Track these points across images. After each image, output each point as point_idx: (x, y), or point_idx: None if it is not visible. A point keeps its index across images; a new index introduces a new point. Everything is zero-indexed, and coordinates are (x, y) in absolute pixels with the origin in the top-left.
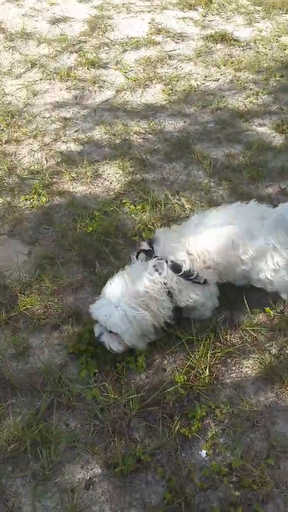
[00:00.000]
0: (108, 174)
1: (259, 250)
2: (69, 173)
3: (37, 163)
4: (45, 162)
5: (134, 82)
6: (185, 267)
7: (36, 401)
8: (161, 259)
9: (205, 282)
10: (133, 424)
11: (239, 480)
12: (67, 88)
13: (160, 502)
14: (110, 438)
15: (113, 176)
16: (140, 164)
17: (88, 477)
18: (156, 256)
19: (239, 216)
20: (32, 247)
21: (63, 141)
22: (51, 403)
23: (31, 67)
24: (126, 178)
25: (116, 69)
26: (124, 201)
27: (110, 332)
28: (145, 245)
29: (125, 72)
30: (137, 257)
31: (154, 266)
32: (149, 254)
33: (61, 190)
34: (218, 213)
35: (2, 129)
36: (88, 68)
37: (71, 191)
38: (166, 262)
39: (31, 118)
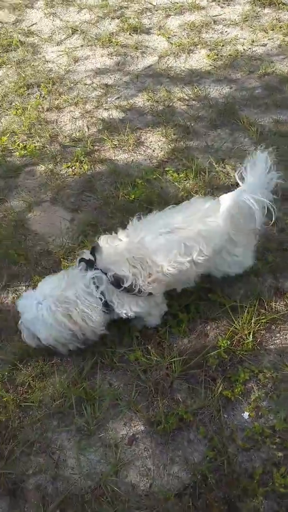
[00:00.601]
0: (151, 141)
1: (216, 248)
2: (111, 141)
3: (79, 131)
4: (86, 130)
5: (177, 47)
6: (126, 282)
7: (80, 361)
8: (101, 272)
9: (150, 293)
10: (175, 385)
11: (282, 442)
12: (108, 54)
13: (203, 459)
14: (153, 397)
15: (155, 143)
16: (184, 131)
17: (131, 433)
18: (97, 268)
19: (186, 217)
20: (75, 214)
21: (105, 108)
22: (94, 363)
23: (72, 33)
24: (169, 146)
25: (159, 34)
26: (167, 168)
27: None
28: (86, 254)
29: (168, 38)
30: (79, 264)
31: (92, 278)
32: (90, 264)
33: (103, 158)
34: (162, 216)
35: (44, 96)
36: (130, 34)
37: (113, 158)
38: (106, 275)
39: (72, 85)
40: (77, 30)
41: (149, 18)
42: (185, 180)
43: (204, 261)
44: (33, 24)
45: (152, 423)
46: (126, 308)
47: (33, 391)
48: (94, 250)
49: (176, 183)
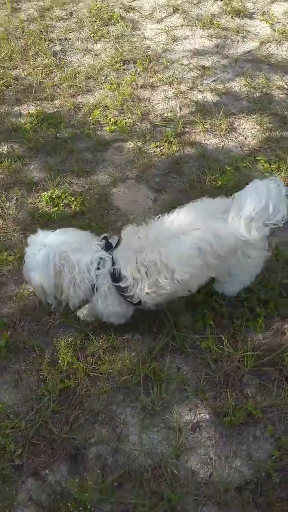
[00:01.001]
0: (244, 128)
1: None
2: (203, 124)
3: (171, 111)
4: (178, 110)
5: (281, 34)
6: (123, 283)
7: (150, 341)
8: (111, 259)
9: (139, 303)
10: (246, 379)
11: None
12: (208, 36)
13: (267, 458)
14: (221, 388)
15: (249, 131)
16: (280, 121)
17: (196, 420)
18: (110, 254)
19: (200, 217)
20: (158, 194)
21: (200, 90)
22: (165, 345)
23: (173, 12)
24: (263, 134)
25: (262, 20)
26: (259, 158)
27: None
28: (114, 238)
29: (272, 24)
30: (100, 240)
31: (100, 258)
32: (108, 246)
33: (192, 141)
34: (177, 217)
35: (139, 73)
36: (232, 17)
37: (203, 142)
38: (113, 265)
39: (168, 64)
40: (178, 9)
41: (253, 2)
42: (277, 171)
43: (218, 263)
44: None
45: (218, 414)
46: (105, 302)
47: (103, 363)
48: (119, 240)
49: (267, 174)
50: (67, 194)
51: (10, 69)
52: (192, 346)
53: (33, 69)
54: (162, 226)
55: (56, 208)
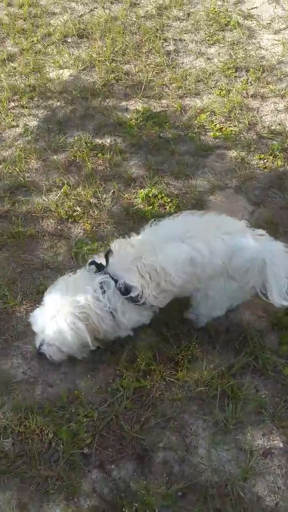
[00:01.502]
0: None
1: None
2: None
3: (279, 124)
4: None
5: None
6: (134, 292)
7: (231, 357)
8: (110, 277)
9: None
10: None
11: None
12: None
13: None
14: None
15: None
16: None
17: (268, 446)
18: (107, 273)
19: (204, 227)
20: (257, 207)
21: None
22: (246, 364)
23: None
24: None
25: None
26: None
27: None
28: (98, 257)
29: None
30: (88, 267)
31: (100, 283)
32: (100, 268)
33: None
34: (179, 222)
35: (250, 82)
36: None
37: None
38: (116, 281)
39: (282, 76)
40: None
41: None
42: None
43: (205, 279)
44: (254, 7)
45: None
46: (127, 316)
47: (180, 370)
48: (108, 253)
49: None
50: (163, 194)
51: (123, 64)
52: (274, 369)
53: (145, 66)
54: (157, 231)
55: (151, 207)
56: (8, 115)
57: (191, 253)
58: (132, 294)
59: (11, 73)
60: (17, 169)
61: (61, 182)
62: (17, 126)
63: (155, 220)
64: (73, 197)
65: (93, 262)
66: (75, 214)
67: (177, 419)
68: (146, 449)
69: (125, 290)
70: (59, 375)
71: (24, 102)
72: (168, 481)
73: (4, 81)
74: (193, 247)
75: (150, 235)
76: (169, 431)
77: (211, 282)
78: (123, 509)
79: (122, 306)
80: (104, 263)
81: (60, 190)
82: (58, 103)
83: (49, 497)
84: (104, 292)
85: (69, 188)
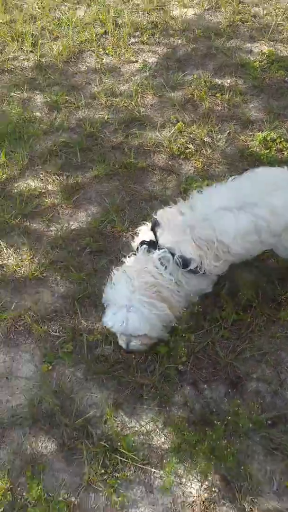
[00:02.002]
0: None
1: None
2: None
3: None
4: None
5: None
6: (193, 264)
7: None
8: (167, 252)
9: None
10: None
11: None
12: None
13: None
14: None
15: None
16: None
17: None
18: (162, 248)
19: (255, 191)
20: None
21: None
22: None
23: None
24: None
25: None
26: None
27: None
28: (144, 232)
29: None
30: (137, 249)
31: (159, 259)
32: (152, 245)
33: None
34: (231, 188)
35: None
36: None
37: None
38: (172, 255)
39: None
40: None
41: None
42: None
43: (271, 239)
44: None
45: None
46: (192, 284)
47: (283, 310)
48: (154, 226)
49: None
50: (282, 139)
51: (250, 6)
52: None
53: (274, 10)
54: (209, 199)
55: (268, 151)
56: (128, 50)
57: (254, 221)
58: (191, 267)
59: (134, 10)
60: (133, 103)
61: (175, 119)
62: (136, 61)
63: (200, 190)
64: (186, 134)
65: (143, 242)
66: (187, 151)
67: (273, 355)
68: (239, 376)
69: (184, 264)
70: None
71: (145, 39)
72: (259, 408)
73: (126, 17)
74: (253, 214)
75: (201, 203)
76: (265, 364)
77: (284, 237)
78: (215, 422)
79: (185, 278)
80: (152, 237)
81: (174, 126)
82: (179, 41)
83: (143, 402)
84: (166, 268)
85: (183, 125)
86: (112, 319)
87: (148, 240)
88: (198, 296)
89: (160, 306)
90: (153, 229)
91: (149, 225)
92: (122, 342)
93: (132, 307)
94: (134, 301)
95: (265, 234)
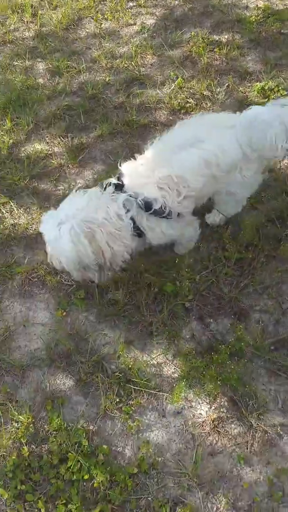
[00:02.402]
0: None
1: (232, 164)
2: None
3: None
4: None
5: None
6: (156, 205)
7: None
8: (131, 196)
9: (178, 215)
10: None
11: None
12: None
13: None
14: None
15: None
16: None
17: None
18: (127, 193)
19: (206, 129)
20: None
21: None
22: None
23: None
24: None
25: None
26: None
27: None
28: (113, 180)
29: None
30: (104, 188)
31: (123, 202)
32: (119, 188)
33: None
34: (182, 131)
35: None
36: None
37: None
38: (136, 199)
39: None
40: None
41: None
42: None
43: (221, 177)
44: None
45: None
46: (157, 232)
47: (282, 246)
48: (119, 176)
49: None
50: (280, 88)
51: None
52: None
53: None
54: (164, 144)
55: (266, 100)
56: (126, 14)
57: (203, 155)
58: (155, 207)
59: None
60: (133, 63)
61: (175, 76)
62: (134, 24)
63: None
64: (186, 89)
65: (108, 183)
66: (187, 105)
67: (275, 287)
68: (243, 308)
69: (146, 206)
70: (166, 245)
71: (142, 2)
72: (261, 336)
73: None
74: (203, 149)
75: (157, 149)
76: (267, 296)
77: (228, 178)
78: (220, 346)
79: (148, 223)
80: (121, 184)
81: (174, 83)
82: (176, 2)
83: (153, 337)
84: (128, 211)
85: (183, 81)
86: (43, 225)
87: (115, 182)
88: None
89: (82, 243)
90: (118, 178)
91: (114, 177)
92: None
93: (63, 225)
94: (67, 223)
95: (215, 168)
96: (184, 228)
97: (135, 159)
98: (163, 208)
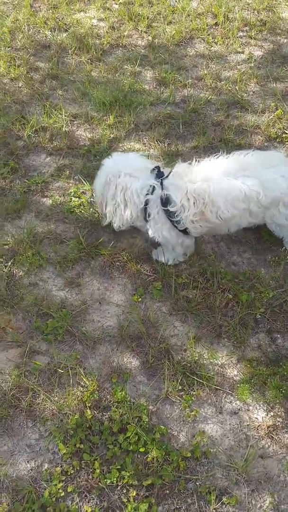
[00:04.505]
0: None
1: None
2: None
3: None
4: None
5: None
6: (172, 207)
7: None
8: (160, 186)
9: (185, 231)
10: None
11: None
12: None
13: None
14: None
15: None
16: None
17: None
18: (161, 181)
19: (251, 165)
20: None
21: None
22: None
23: None
24: None
25: None
26: None
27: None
28: (166, 170)
29: None
30: (152, 169)
31: (151, 185)
32: (159, 175)
33: None
34: (232, 161)
35: None
36: None
37: None
38: (162, 190)
39: None
40: None
41: None
42: None
43: (259, 212)
44: None
45: None
46: (157, 227)
47: None
48: (170, 172)
49: None
50: None
51: None
52: None
53: None
54: (215, 166)
55: None
56: (235, 41)
57: (245, 190)
58: (170, 208)
59: (245, 7)
60: (236, 88)
61: (275, 107)
62: (242, 52)
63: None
64: (285, 121)
65: (158, 167)
66: (283, 135)
67: None
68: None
69: (165, 201)
70: (243, 258)
71: (253, 34)
72: None
73: (237, 13)
74: (245, 183)
75: (210, 166)
76: None
77: (271, 212)
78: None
79: (157, 216)
80: (164, 173)
81: (274, 113)
82: (285, 40)
83: (220, 340)
84: (147, 194)
85: (282, 113)
86: (99, 175)
87: (161, 170)
88: (180, 256)
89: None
90: (169, 173)
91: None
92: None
93: (104, 173)
94: (110, 171)
95: (253, 204)
96: (177, 244)
97: (191, 164)
98: (176, 214)
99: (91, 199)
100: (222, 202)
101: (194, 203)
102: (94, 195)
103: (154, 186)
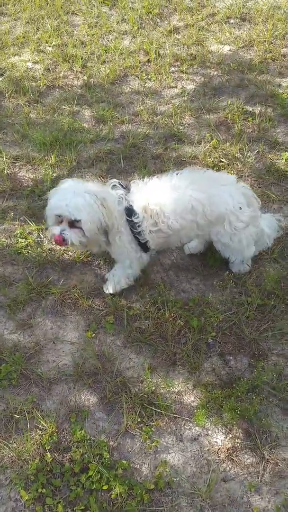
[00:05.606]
0: None
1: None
2: None
3: None
4: None
5: None
6: (136, 218)
7: None
8: (125, 198)
9: (145, 245)
10: None
11: None
12: None
13: None
14: None
15: None
16: None
17: None
18: (124, 193)
19: (204, 182)
20: None
21: None
22: None
23: None
24: None
25: None
26: None
27: (72, 226)
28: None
29: None
30: (112, 187)
31: (120, 196)
32: (121, 188)
33: None
34: (184, 177)
35: None
36: None
37: None
38: (127, 201)
39: None
40: None
41: None
42: None
43: (205, 225)
44: None
45: None
46: (121, 235)
47: None
48: (126, 186)
49: None
50: None
51: (280, 47)
52: None
53: None
54: (168, 181)
55: None
56: (168, 77)
57: (192, 202)
58: (134, 219)
59: (175, 43)
60: (172, 121)
61: (210, 137)
62: (175, 87)
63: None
64: (220, 150)
65: (118, 182)
66: (220, 164)
67: None
68: (262, 350)
69: (128, 212)
70: (191, 285)
71: (184, 68)
72: (278, 377)
73: (168, 49)
74: (194, 197)
75: (163, 181)
76: (285, 343)
77: (216, 228)
78: (239, 381)
79: (122, 228)
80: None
81: (209, 143)
82: (215, 72)
83: (175, 367)
84: (119, 204)
85: (217, 142)
86: (56, 201)
87: (124, 185)
88: (132, 275)
89: (100, 205)
90: (125, 187)
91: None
92: (57, 229)
93: (79, 194)
94: (82, 192)
95: (200, 216)
96: (135, 258)
97: (145, 181)
98: (139, 225)
99: (38, 239)
100: (172, 213)
101: (151, 215)
102: (73, 214)
103: (121, 197)
